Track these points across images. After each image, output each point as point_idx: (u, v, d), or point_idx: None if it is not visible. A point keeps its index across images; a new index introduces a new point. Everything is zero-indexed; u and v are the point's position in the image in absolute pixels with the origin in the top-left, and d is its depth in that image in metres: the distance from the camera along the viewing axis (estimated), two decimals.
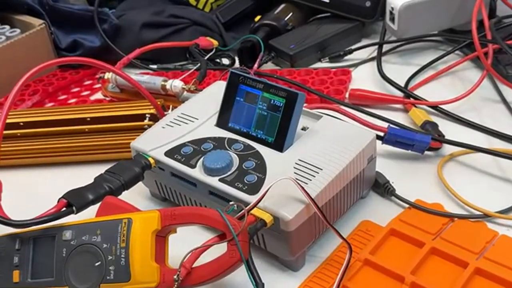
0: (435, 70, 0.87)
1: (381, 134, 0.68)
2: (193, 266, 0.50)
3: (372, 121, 0.70)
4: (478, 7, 0.81)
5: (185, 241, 0.53)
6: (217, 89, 0.70)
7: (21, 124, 0.77)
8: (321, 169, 0.57)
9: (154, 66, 0.98)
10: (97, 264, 0.51)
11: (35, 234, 0.54)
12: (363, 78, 0.88)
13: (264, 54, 0.92)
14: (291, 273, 0.58)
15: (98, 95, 0.91)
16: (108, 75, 0.84)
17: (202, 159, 0.60)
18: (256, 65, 0.88)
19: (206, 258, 0.51)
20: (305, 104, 0.62)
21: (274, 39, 0.94)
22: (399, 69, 0.88)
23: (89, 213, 0.56)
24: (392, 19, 0.88)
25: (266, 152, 0.60)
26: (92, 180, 0.59)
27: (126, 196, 0.59)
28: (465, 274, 0.54)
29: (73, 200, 0.56)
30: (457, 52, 0.89)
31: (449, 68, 0.86)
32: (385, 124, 0.70)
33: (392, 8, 0.87)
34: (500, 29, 0.84)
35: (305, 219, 0.54)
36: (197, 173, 0.59)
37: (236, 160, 0.60)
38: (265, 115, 0.61)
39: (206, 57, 0.91)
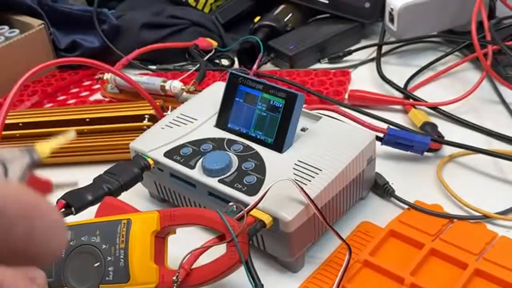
0: (435, 71, 0.87)
1: (381, 135, 0.68)
2: (193, 267, 0.50)
3: (372, 122, 0.70)
4: (478, 8, 0.81)
5: (185, 242, 0.53)
6: (216, 90, 0.70)
7: (20, 124, 0.77)
8: (321, 170, 0.57)
9: (154, 67, 0.98)
10: (96, 265, 0.51)
11: None
12: (363, 79, 0.88)
13: (264, 55, 0.92)
14: (291, 274, 0.58)
15: (97, 96, 0.91)
16: (107, 76, 0.84)
17: (201, 160, 0.60)
18: (255, 66, 0.88)
19: (205, 259, 0.51)
20: (304, 105, 0.62)
21: (274, 40, 0.94)
22: (398, 70, 0.88)
23: (88, 214, 0.56)
24: (392, 20, 0.88)
25: (265, 153, 0.60)
26: (91, 181, 0.59)
27: (125, 197, 0.59)
28: (464, 275, 0.54)
29: (72, 201, 0.55)
30: (456, 53, 0.89)
31: (448, 69, 0.86)
32: (384, 125, 0.70)
33: (392, 9, 0.87)
34: (499, 30, 0.84)
35: (305, 220, 0.54)
36: (196, 174, 0.59)
37: (235, 161, 0.60)
38: (264, 116, 0.61)
39: (205, 58, 0.91)
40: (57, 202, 0.55)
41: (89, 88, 0.95)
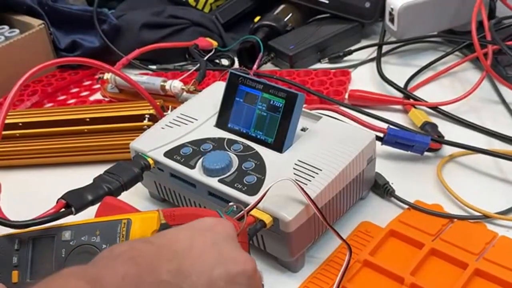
0: (435, 71, 0.87)
1: (381, 135, 0.68)
2: None
3: (372, 122, 0.70)
4: (478, 8, 0.81)
5: None
6: (216, 89, 0.70)
7: (20, 124, 0.77)
8: (321, 170, 0.57)
9: (154, 67, 0.98)
10: None
11: (34, 235, 0.54)
12: (363, 79, 0.88)
13: (264, 55, 0.92)
14: (291, 274, 0.58)
15: (98, 96, 0.91)
16: (107, 76, 0.84)
17: (201, 159, 0.60)
18: (255, 66, 0.88)
19: None
20: (304, 105, 0.62)
21: (274, 40, 0.94)
22: (398, 70, 0.88)
23: (88, 214, 0.56)
24: (392, 20, 0.88)
25: (265, 152, 0.60)
26: (91, 181, 0.59)
27: (125, 196, 0.59)
28: (464, 275, 0.54)
29: (72, 201, 0.55)
30: (456, 53, 0.89)
31: (448, 69, 0.86)
32: (384, 125, 0.70)
33: (392, 9, 0.87)
34: (499, 30, 0.84)
35: (305, 220, 0.54)
36: (196, 173, 0.59)
37: (235, 161, 0.60)
38: (264, 116, 0.61)
39: (205, 58, 0.91)
40: (57, 202, 0.55)
41: (89, 88, 0.95)
